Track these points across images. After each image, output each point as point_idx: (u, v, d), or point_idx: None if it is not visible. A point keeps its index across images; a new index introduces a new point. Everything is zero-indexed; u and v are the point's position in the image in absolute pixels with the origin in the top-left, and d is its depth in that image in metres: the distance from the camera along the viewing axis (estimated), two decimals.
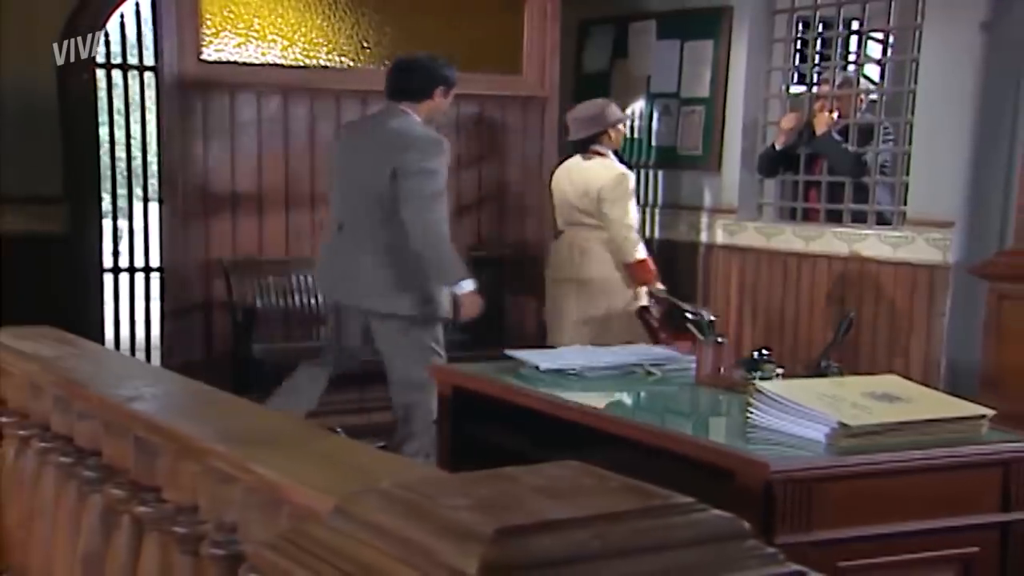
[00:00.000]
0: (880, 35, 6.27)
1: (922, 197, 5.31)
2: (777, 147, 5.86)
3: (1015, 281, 4.56)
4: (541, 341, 5.35)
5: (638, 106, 6.66)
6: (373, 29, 5.81)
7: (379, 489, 1.11)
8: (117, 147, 6.82)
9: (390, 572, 1.00)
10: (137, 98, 6.81)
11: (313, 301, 5.60)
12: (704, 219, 6.39)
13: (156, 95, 6.40)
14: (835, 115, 5.69)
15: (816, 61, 6.29)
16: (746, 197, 6.24)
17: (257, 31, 5.57)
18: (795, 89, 6.26)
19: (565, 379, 3.24)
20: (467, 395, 3.36)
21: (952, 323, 5.18)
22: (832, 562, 2.29)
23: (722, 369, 3.18)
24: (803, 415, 2.53)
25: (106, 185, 6.75)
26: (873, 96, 6.00)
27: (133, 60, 6.81)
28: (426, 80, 4.54)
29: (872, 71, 6.39)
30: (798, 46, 6.31)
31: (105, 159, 6.76)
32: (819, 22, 6.10)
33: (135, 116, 6.85)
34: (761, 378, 2.97)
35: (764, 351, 3.22)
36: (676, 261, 6.30)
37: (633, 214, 5.14)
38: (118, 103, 6.75)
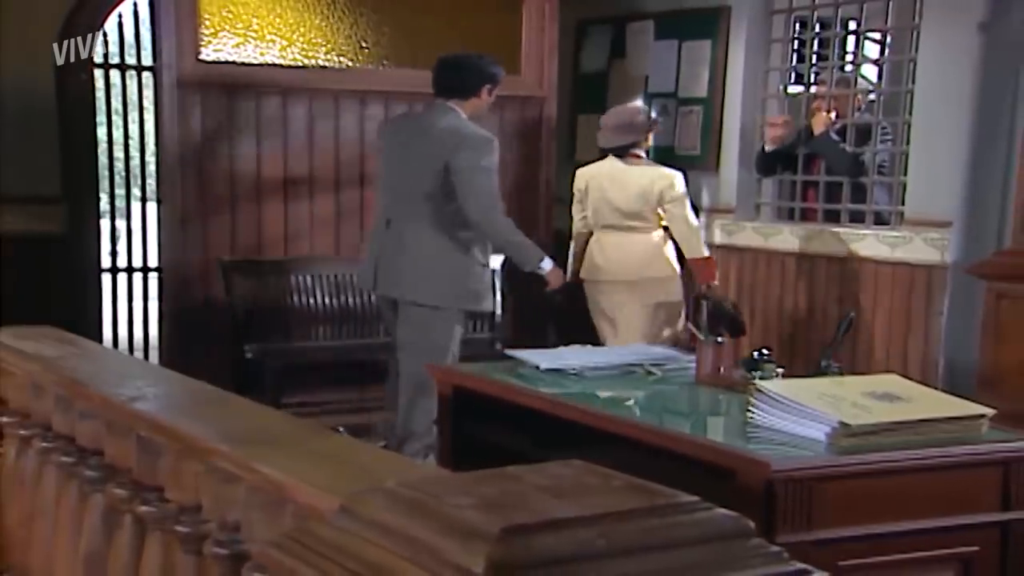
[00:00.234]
0: (878, 35, 6.27)
1: (920, 197, 5.32)
2: (767, 149, 5.87)
3: (1013, 281, 4.57)
4: (542, 340, 5.35)
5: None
6: (371, 29, 5.82)
7: (384, 488, 1.11)
8: (115, 147, 6.82)
9: (397, 571, 1.00)
10: (135, 98, 6.80)
11: (312, 301, 5.60)
12: (702, 219, 6.39)
13: (154, 95, 6.40)
14: (833, 115, 5.70)
15: (814, 61, 6.30)
16: (744, 197, 6.24)
17: (256, 31, 5.57)
18: (793, 89, 6.27)
19: (565, 379, 3.25)
20: (467, 395, 3.37)
21: (950, 323, 5.18)
22: (833, 561, 2.30)
23: (722, 369, 3.19)
24: (804, 414, 2.54)
25: (104, 185, 6.75)
26: (872, 96, 6.00)
27: (131, 60, 6.81)
28: (475, 78, 4.61)
29: (870, 71, 6.40)
30: (795, 46, 6.32)
31: (103, 159, 6.76)
32: (817, 22, 6.10)
33: (133, 116, 6.84)
34: (761, 378, 2.97)
35: (764, 351, 3.23)
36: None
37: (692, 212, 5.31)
38: (116, 103, 6.75)
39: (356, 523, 1.08)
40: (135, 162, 6.80)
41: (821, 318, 5.70)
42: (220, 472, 1.60)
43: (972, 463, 2.55)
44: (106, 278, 6.85)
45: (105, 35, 6.66)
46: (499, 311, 5.71)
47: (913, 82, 5.42)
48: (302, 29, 5.67)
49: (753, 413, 2.65)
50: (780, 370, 3.17)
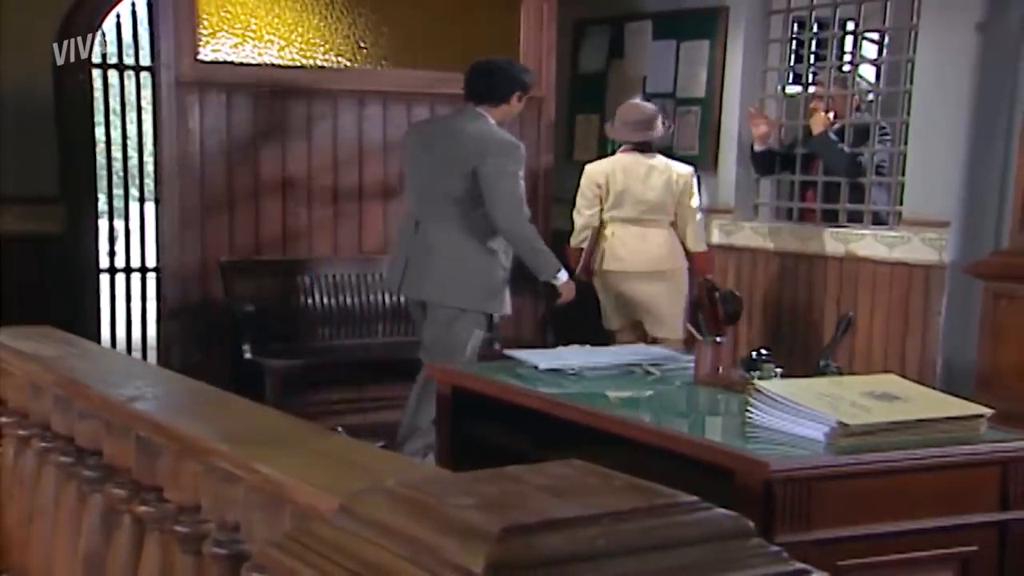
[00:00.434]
0: (876, 35, 6.27)
1: (918, 197, 5.32)
2: (756, 148, 5.89)
3: (1010, 280, 4.57)
4: (541, 341, 5.35)
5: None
6: (370, 29, 5.82)
7: (384, 488, 1.11)
8: (114, 147, 6.82)
9: (396, 571, 1.00)
10: (134, 98, 6.79)
11: (311, 301, 5.60)
12: (700, 218, 6.38)
13: (153, 95, 6.40)
14: (831, 115, 5.70)
15: (812, 61, 6.30)
16: (742, 197, 6.25)
17: (254, 31, 5.57)
18: (791, 89, 6.27)
19: (564, 379, 3.25)
20: (467, 395, 3.37)
21: (948, 323, 5.19)
22: (832, 561, 2.30)
23: (721, 369, 3.19)
24: (802, 414, 2.54)
25: (103, 185, 6.75)
26: (870, 96, 6.00)
27: (129, 60, 6.80)
28: (507, 84, 4.68)
29: (868, 71, 6.40)
30: (794, 46, 6.32)
31: (102, 159, 6.76)
32: (815, 22, 6.11)
33: (132, 116, 6.83)
34: (760, 378, 2.97)
35: (763, 351, 3.23)
36: None
37: None
38: (115, 103, 6.75)
39: (355, 523, 1.08)
40: (133, 162, 6.78)
41: (819, 318, 5.70)
42: (219, 472, 1.60)
43: (970, 463, 2.55)
44: (104, 278, 6.84)
45: (103, 35, 6.66)
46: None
47: (911, 82, 5.43)
48: (300, 29, 5.67)
49: (752, 413, 2.65)
50: (779, 370, 3.17)
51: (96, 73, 6.70)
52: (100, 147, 6.72)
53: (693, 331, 3.27)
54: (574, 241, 5.46)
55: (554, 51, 6.18)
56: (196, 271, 5.49)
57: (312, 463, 1.57)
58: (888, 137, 5.63)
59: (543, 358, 3.42)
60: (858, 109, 5.85)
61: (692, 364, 3.28)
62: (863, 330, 5.44)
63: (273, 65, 5.62)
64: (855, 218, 5.70)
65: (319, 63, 5.72)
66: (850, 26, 6.05)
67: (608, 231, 5.41)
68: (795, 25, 6.22)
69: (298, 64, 5.67)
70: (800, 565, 1.05)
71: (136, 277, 7.03)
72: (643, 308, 5.42)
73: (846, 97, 5.79)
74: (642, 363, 3.38)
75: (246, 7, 5.54)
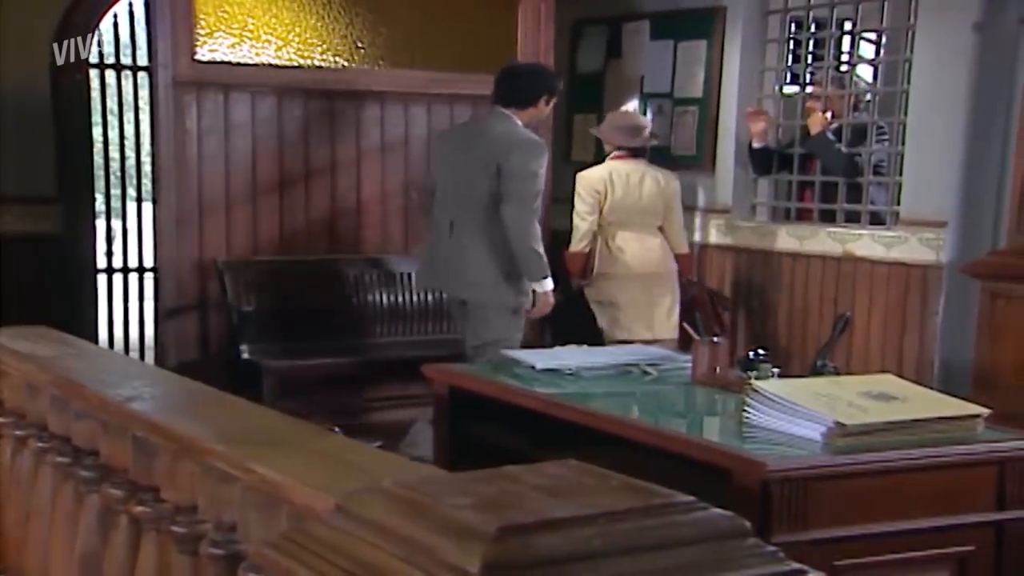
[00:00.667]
0: (873, 35, 6.28)
1: (915, 197, 5.32)
2: (754, 145, 5.90)
3: (1008, 280, 4.57)
4: (539, 341, 5.35)
5: (632, 106, 6.66)
6: (367, 29, 5.81)
7: (381, 488, 1.11)
8: (111, 147, 6.82)
9: (392, 571, 1.00)
10: (131, 98, 6.79)
11: (308, 301, 5.60)
12: (698, 219, 6.40)
13: (150, 95, 6.40)
14: (828, 115, 5.70)
15: (809, 61, 6.31)
16: (740, 197, 6.25)
17: (251, 31, 5.57)
18: (788, 89, 6.27)
19: (561, 379, 3.25)
20: (464, 395, 3.37)
21: (945, 322, 5.19)
22: (828, 561, 2.30)
23: (718, 369, 3.19)
24: (799, 414, 2.54)
25: (100, 185, 6.74)
26: (867, 96, 6.01)
27: (127, 60, 6.80)
28: (535, 87, 4.76)
29: (865, 71, 6.40)
30: (791, 46, 6.32)
31: (99, 159, 6.76)
32: (812, 22, 6.11)
33: (129, 116, 6.82)
34: (757, 378, 2.97)
35: (760, 351, 3.23)
36: None
37: None
38: (112, 103, 6.75)
39: (352, 523, 1.08)
40: (130, 162, 6.76)
41: (817, 318, 5.71)
42: (216, 472, 1.60)
43: (967, 463, 2.55)
44: (101, 278, 6.83)
45: (100, 35, 6.65)
46: None
47: (908, 82, 5.43)
48: (298, 29, 5.67)
49: (749, 413, 2.65)
50: (776, 370, 3.17)
51: (93, 73, 6.69)
52: (98, 147, 6.72)
53: (691, 331, 3.27)
54: (576, 247, 5.47)
55: (552, 51, 6.18)
56: (193, 271, 5.48)
57: (309, 463, 1.57)
58: (886, 137, 5.64)
59: (540, 358, 3.42)
60: (855, 109, 5.85)
61: (689, 364, 3.28)
62: (860, 330, 5.45)
63: (270, 65, 5.62)
64: (852, 218, 5.70)
65: (316, 63, 5.72)
66: (847, 26, 6.06)
67: (608, 236, 5.47)
68: (792, 25, 6.22)
69: (295, 64, 5.67)
70: (796, 565, 1.05)
71: (133, 277, 7.02)
72: (644, 310, 5.47)
73: (843, 97, 5.79)
74: (639, 363, 3.38)
75: (243, 7, 5.53)
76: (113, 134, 6.80)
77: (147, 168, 6.66)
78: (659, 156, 6.52)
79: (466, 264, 4.65)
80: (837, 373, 3.24)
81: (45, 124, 6.36)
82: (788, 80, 6.33)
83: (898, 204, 5.48)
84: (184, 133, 5.42)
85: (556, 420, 2.96)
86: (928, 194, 5.25)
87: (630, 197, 5.46)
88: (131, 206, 6.95)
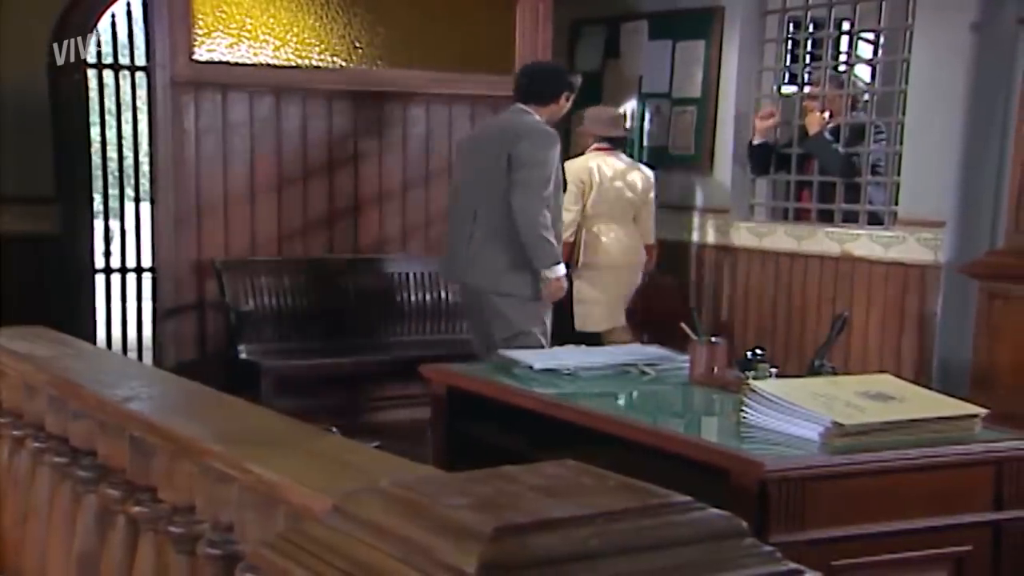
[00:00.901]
0: (871, 35, 6.28)
1: (913, 197, 5.33)
2: (754, 142, 5.91)
3: (1006, 280, 4.58)
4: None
5: (630, 106, 6.66)
6: (365, 29, 5.81)
7: (378, 488, 1.11)
8: (109, 147, 6.83)
9: (389, 571, 1.00)
10: (129, 98, 6.79)
11: (307, 301, 5.59)
12: (696, 219, 6.40)
13: (148, 95, 6.39)
14: (827, 115, 5.71)
15: (807, 61, 6.31)
16: (738, 197, 6.25)
17: (249, 31, 5.56)
18: (786, 89, 6.28)
19: (559, 379, 3.25)
20: (462, 395, 3.37)
21: (943, 322, 5.19)
22: (826, 561, 2.30)
23: (716, 369, 3.19)
24: (797, 414, 2.54)
25: (98, 185, 6.75)
26: (866, 96, 6.01)
27: (125, 60, 6.80)
28: (555, 86, 4.85)
29: (863, 71, 6.41)
30: (789, 46, 6.32)
31: (97, 159, 6.76)
32: (810, 22, 6.11)
33: (127, 116, 6.83)
34: (755, 378, 2.97)
35: (758, 351, 3.23)
36: (668, 261, 6.30)
37: None
38: (110, 103, 6.75)
39: (349, 523, 1.08)
40: (128, 162, 6.75)
41: (815, 318, 5.71)
42: (213, 472, 1.60)
43: (965, 463, 2.55)
44: (99, 278, 6.83)
45: (99, 35, 6.65)
46: None
47: (906, 82, 5.43)
48: (296, 29, 5.67)
49: (747, 413, 2.65)
50: (773, 370, 3.17)
51: (91, 73, 6.69)
52: (95, 147, 6.71)
53: (688, 331, 3.27)
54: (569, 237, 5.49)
55: (550, 51, 6.18)
56: (192, 271, 5.48)
57: (306, 463, 1.57)
58: (883, 137, 5.64)
59: (538, 358, 3.42)
60: (853, 109, 5.86)
61: (687, 364, 3.28)
62: (858, 330, 5.45)
63: (268, 65, 5.61)
64: (851, 218, 5.70)
65: (315, 63, 5.72)
66: (845, 26, 6.06)
67: (592, 226, 5.58)
68: (791, 25, 6.22)
69: (293, 64, 5.67)
70: (794, 565, 1.05)
71: (131, 277, 7.02)
72: (619, 301, 5.69)
73: (841, 97, 5.79)
74: (637, 363, 3.38)
75: (241, 7, 5.53)
76: (111, 134, 6.81)
77: (145, 168, 6.67)
78: (657, 156, 6.54)
79: (484, 254, 4.70)
80: (835, 373, 3.23)
81: (43, 124, 6.36)
82: (786, 80, 6.34)
83: (896, 204, 5.48)
84: (182, 133, 5.42)
85: (554, 420, 2.96)
86: (926, 194, 5.25)
87: (613, 188, 5.58)
88: (129, 206, 6.95)
